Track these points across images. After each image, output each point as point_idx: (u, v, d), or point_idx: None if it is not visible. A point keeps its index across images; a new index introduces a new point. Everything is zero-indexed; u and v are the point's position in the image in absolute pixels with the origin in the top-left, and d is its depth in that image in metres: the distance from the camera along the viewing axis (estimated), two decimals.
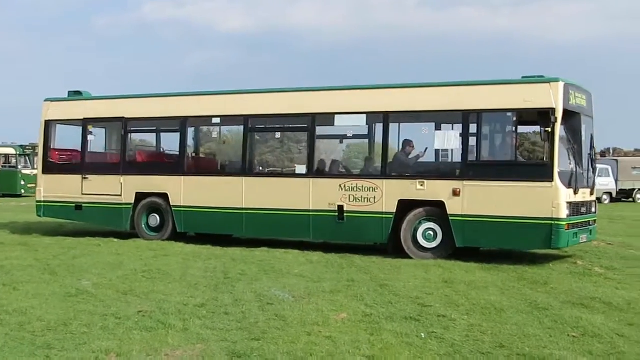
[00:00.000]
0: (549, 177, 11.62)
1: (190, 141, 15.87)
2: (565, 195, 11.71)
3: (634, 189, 30.88)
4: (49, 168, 16.17)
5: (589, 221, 13.12)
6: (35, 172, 35.98)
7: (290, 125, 15.41)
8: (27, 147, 36.56)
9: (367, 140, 14.57)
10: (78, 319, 7.61)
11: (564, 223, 11.65)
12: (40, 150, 16.49)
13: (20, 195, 35.08)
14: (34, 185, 35.44)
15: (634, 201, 35.80)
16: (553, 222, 11.60)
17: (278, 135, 15.78)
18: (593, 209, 13.57)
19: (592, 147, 13.22)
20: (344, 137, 14.77)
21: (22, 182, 35.53)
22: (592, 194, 13.58)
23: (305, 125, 14.27)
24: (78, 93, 16.34)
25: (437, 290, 9.76)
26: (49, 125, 16.23)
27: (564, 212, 11.62)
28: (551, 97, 11.63)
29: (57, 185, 15.88)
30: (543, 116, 11.64)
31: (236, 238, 15.77)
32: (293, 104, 14.22)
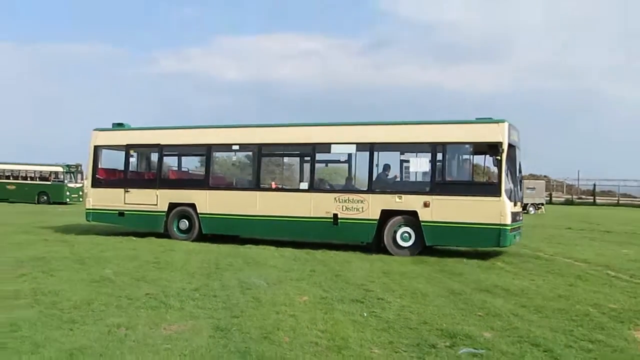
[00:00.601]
0: (498, 194, 12.21)
1: (214, 163, 16.02)
2: (509, 207, 12.33)
3: (527, 204, 31.57)
4: (97, 183, 16.29)
5: (519, 226, 13.87)
6: (77, 185, 36.23)
7: (295, 152, 15.69)
8: (72, 166, 37.22)
9: (354, 164, 14.55)
10: (98, 300, 7.68)
11: (509, 227, 12.28)
12: (89, 169, 16.60)
13: (66, 203, 35.64)
14: (76, 196, 35.87)
15: (527, 212, 36.30)
16: (501, 227, 12.16)
17: (286, 159, 16.28)
18: (521, 217, 14.43)
19: (520, 171, 14.02)
20: (338, 161, 14.96)
21: (68, 193, 36.61)
22: (521, 206, 14.51)
23: (308, 152, 14.60)
24: (120, 125, 16.63)
25: (377, 279, 9.92)
26: (97, 149, 16.38)
27: (508, 220, 12.23)
28: (499, 134, 12.29)
29: (103, 196, 15.99)
30: (493, 148, 12.28)
31: (240, 237, 15.56)
32: (298, 136, 14.64)
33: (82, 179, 38.18)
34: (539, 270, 11.16)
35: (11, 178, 36.40)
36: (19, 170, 36.65)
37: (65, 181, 36.02)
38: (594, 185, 55.44)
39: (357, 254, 13.05)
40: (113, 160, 16.81)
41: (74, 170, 36.88)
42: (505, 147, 12.13)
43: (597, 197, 53.76)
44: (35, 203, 34.67)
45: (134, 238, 14.98)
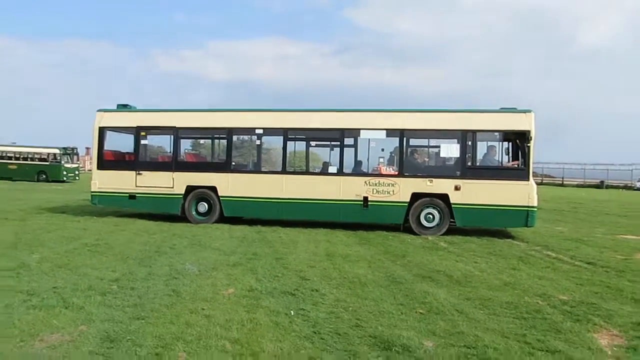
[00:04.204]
0: (527, 178, 11.10)
1: (236, 146, 13.22)
2: (535, 190, 11.17)
3: None
4: (103, 165, 13.22)
5: None
6: (73, 165, 34.08)
7: (326, 137, 12.65)
8: (68, 148, 35.06)
9: (385, 149, 12.42)
10: None
11: (536, 209, 11.20)
12: (94, 151, 13.51)
13: (63, 181, 33.53)
14: (72, 175, 33.69)
15: None
16: (529, 209, 11.03)
17: (313, 143, 13.04)
18: None
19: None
20: (367, 146, 12.16)
21: (64, 172, 34.19)
22: None
23: (337, 137, 12.16)
24: (125, 106, 13.62)
25: (319, 263, 7.92)
26: (102, 130, 13.22)
27: (535, 202, 11.13)
28: (527, 123, 11.08)
29: (111, 179, 12.97)
30: (521, 135, 11.12)
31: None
32: (329, 121, 12.19)
33: (77, 160, 36.60)
34: (481, 252, 9.28)
35: (13, 159, 33.88)
36: (20, 152, 34.23)
37: (62, 162, 33.71)
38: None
39: (306, 233, 11.05)
40: (117, 142, 13.70)
41: (70, 152, 34.95)
42: (533, 134, 10.96)
43: None
44: (34, 181, 32.34)
45: (95, 217, 12.63)
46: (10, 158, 33.86)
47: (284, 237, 10.36)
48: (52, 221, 11.84)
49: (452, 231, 11.53)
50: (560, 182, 52.45)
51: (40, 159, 33.98)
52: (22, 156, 33.98)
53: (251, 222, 12.30)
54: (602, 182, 48.96)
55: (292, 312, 5.22)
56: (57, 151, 33.72)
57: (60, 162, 33.55)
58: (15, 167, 33.55)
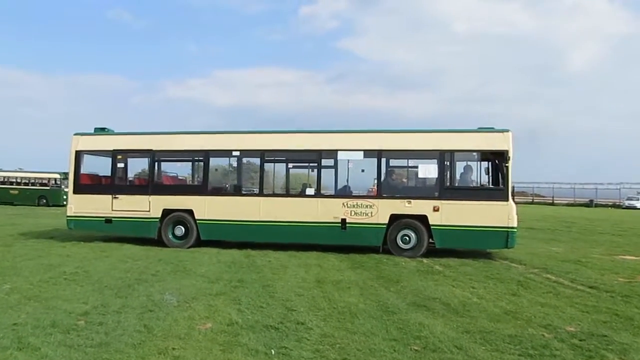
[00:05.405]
0: (506, 198, 10.51)
1: (212, 169, 12.41)
2: (514, 210, 10.57)
3: None
4: (79, 189, 12.49)
5: None
6: None
7: (303, 158, 11.88)
8: (68, 173, 33.15)
9: (362, 170, 11.62)
10: None
11: (516, 230, 10.59)
12: (70, 174, 12.82)
13: (63, 205, 31.98)
14: None
15: None
16: (509, 229, 10.43)
17: (290, 165, 12.11)
18: None
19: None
20: (346, 167, 11.46)
21: (65, 197, 32.69)
22: None
23: (314, 159, 11.52)
24: (103, 129, 12.98)
25: (307, 291, 7.17)
26: (78, 154, 12.57)
27: (515, 222, 10.55)
28: (505, 142, 10.54)
29: (87, 203, 12.25)
30: (500, 155, 10.56)
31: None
32: (306, 142, 11.54)
33: None
34: (478, 276, 8.53)
35: (14, 184, 33.27)
36: (22, 177, 33.69)
37: (62, 186, 32.87)
38: (513, 186, 53.74)
39: (297, 257, 10.33)
40: (94, 166, 12.99)
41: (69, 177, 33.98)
42: (511, 154, 10.43)
43: (515, 197, 52.12)
44: (35, 205, 31.58)
45: (91, 244, 11.79)
46: (12, 183, 33.29)
47: (274, 262, 9.61)
48: (37, 247, 11.09)
49: (446, 254, 10.82)
50: (551, 201, 51.85)
51: (41, 184, 33.26)
52: (23, 181, 33.36)
53: (241, 245, 11.57)
54: (591, 200, 48.38)
55: (272, 351, 4.50)
56: (57, 176, 33.06)
57: (60, 186, 32.78)
58: (16, 192, 32.92)
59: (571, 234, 17.45)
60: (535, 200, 52.07)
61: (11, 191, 32.89)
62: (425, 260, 10.27)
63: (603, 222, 24.05)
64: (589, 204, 47.29)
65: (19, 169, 35.60)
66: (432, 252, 10.87)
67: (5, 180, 33.46)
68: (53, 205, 31.99)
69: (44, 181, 33.33)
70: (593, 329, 5.33)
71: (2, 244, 11.42)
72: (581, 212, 34.52)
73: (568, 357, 4.44)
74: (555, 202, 51.21)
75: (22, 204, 31.39)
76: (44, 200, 32.46)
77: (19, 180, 33.41)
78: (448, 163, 10.95)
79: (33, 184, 33.41)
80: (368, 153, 11.20)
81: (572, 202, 50.00)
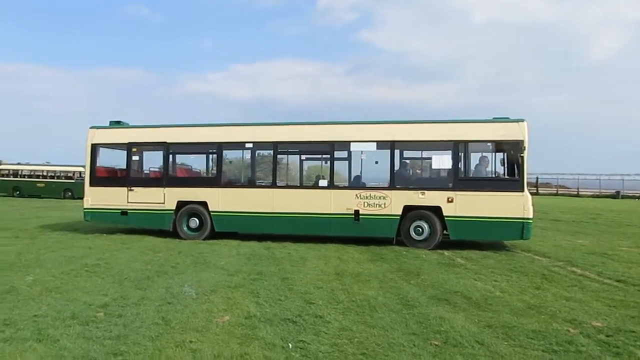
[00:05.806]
0: (521, 189, 10.32)
1: (226, 161, 12.57)
2: (530, 201, 10.35)
3: None
4: (96, 181, 12.71)
5: None
6: None
7: (316, 150, 11.85)
8: None
9: (375, 161, 11.46)
10: None
11: (532, 221, 10.38)
12: (87, 167, 13.05)
13: None
14: None
15: None
16: (524, 220, 10.24)
17: (303, 157, 12.24)
18: None
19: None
20: (359, 159, 11.37)
21: None
22: None
23: (327, 150, 11.42)
24: (118, 122, 13.14)
25: (326, 284, 7.09)
26: (94, 147, 12.78)
27: (531, 213, 10.33)
28: (520, 132, 10.35)
29: (103, 195, 12.48)
30: (515, 145, 10.37)
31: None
32: (319, 134, 11.46)
33: None
34: (501, 269, 8.36)
35: (41, 177, 34.04)
36: (48, 170, 34.37)
37: None
38: (537, 178, 52.82)
39: (316, 249, 10.27)
40: (110, 159, 13.14)
41: None
42: (526, 144, 10.26)
43: (539, 188, 51.30)
44: (61, 198, 32.25)
45: (113, 236, 11.95)
46: (38, 177, 34.05)
47: (293, 254, 9.59)
48: (60, 239, 11.28)
49: (468, 246, 10.64)
50: (576, 192, 50.66)
51: (67, 177, 33.92)
52: (49, 175, 34.06)
53: (260, 237, 11.59)
54: (617, 192, 47.08)
55: (290, 344, 4.46)
56: (82, 169, 33.68)
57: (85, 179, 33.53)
58: (43, 185, 33.66)
59: (597, 226, 17.00)
60: (559, 192, 50.99)
61: (38, 184, 33.62)
62: (446, 252, 10.12)
63: (630, 214, 23.37)
64: (615, 196, 46.04)
65: (46, 162, 36.36)
66: (454, 245, 10.72)
67: (32, 173, 34.19)
68: (78, 198, 32.55)
69: (70, 174, 33.89)
70: (620, 325, 5.14)
71: (28, 237, 11.66)
72: (607, 204, 33.65)
73: (594, 354, 4.29)
74: (580, 193, 50.08)
75: (49, 197, 32.10)
76: (70, 193, 33.00)
77: (45, 174, 34.07)
78: (462, 154, 10.77)
79: (59, 177, 34.03)
80: (381, 144, 11.06)
81: (598, 193, 48.73)
